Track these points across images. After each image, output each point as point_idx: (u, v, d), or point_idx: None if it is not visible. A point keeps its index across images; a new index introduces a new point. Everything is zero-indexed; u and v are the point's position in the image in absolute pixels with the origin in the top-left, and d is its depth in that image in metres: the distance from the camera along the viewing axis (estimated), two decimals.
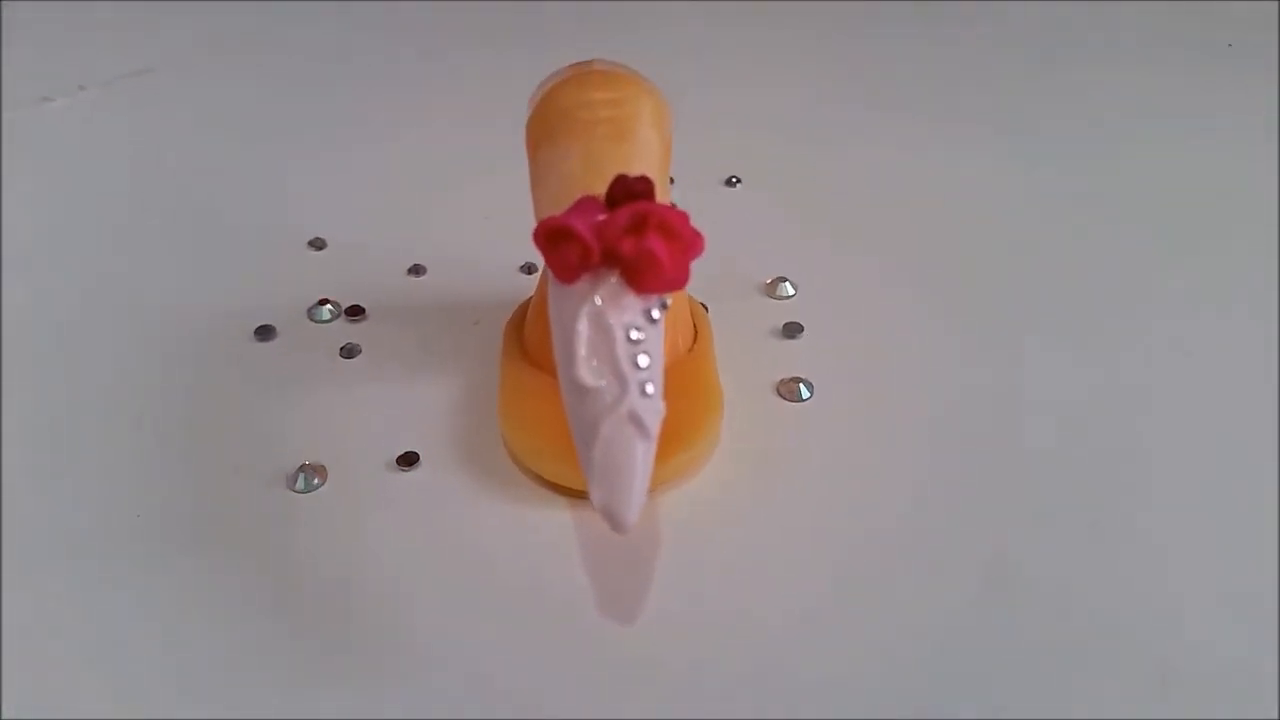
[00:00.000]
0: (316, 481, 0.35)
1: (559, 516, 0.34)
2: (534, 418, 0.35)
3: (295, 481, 0.35)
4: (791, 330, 0.41)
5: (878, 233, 0.48)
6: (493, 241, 0.46)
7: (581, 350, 0.26)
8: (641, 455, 0.26)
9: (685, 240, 0.26)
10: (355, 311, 0.42)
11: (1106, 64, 0.67)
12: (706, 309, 0.40)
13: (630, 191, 0.26)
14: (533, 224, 0.46)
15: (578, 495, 0.34)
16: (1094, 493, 0.34)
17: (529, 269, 0.44)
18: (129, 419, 0.37)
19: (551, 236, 0.26)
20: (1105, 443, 0.36)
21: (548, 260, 0.26)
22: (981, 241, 0.47)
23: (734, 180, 0.51)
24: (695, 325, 0.38)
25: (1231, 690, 0.28)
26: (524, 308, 0.40)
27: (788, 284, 0.43)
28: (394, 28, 0.72)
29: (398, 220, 0.48)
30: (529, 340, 0.37)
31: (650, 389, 0.26)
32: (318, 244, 0.46)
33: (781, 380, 0.38)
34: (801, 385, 0.38)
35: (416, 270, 0.44)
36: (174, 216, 0.49)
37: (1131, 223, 0.49)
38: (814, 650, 0.29)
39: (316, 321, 0.42)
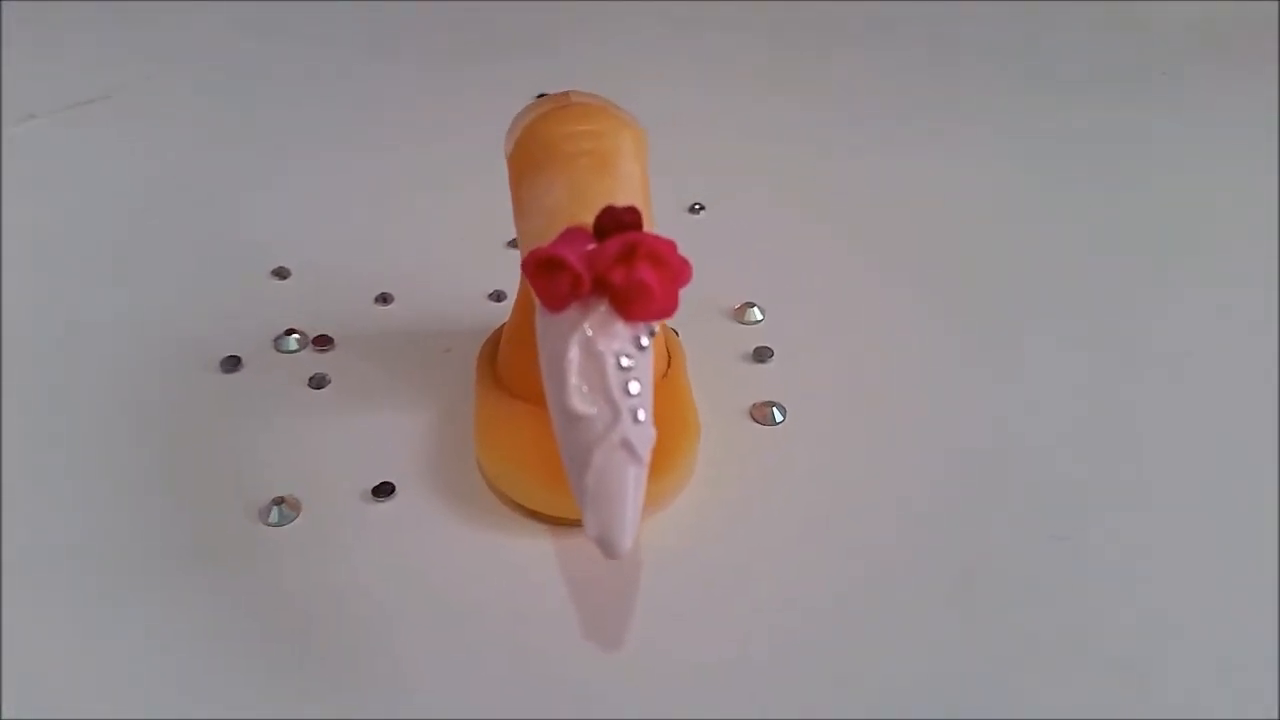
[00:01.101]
0: (290, 514, 0.34)
1: (540, 544, 0.34)
2: (512, 445, 0.35)
3: (269, 515, 0.34)
4: (762, 354, 0.41)
5: (843, 257, 0.49)
6: (460, 269, 0.46)
7: (573, 378, 0.26)
8: (634, 482, 0.26)
9: (674, 269, 0.26)
10: (323, 341, 0.42)
11: (1077, 78, 0.69)
12: (677, 334, 0.41)
13: (619, 222, 0.26)
14: (501, 252, 0.48)
15: (558, 522, 0.34)
16: (1076, 506, 0.35)
17: (498, 297, 0.44)
18: (93, 454, 0.36)
19: (542, 266, 0.26)
20: (1088, 457, 0.37)
21: (537, 290, 0.27)
22: (948, 262, 0.48)
23: (697, 207, 0.52)
24: (668, 351, 0.38)
25: (1232, 690, 0.29)
26: (497, 335, 0.39)
27: (755, 309, 0.44)
28: (357, 53, 0.72)
29: (362, 248, 0.48)
30: (504, 368, 0.37)
31: (641, 415, 0.26)
32: (281, 273, 0.46)
33: (755, 405, 0.39)
34: (774, 409, 0.38)
35: (384, 299, 0.44)
36: (133, 247, 0.48)
37: (1112, 234, 0.50)
38: (798, 675, 0.30)
39: (283, 352, 0.41)
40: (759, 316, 0.44)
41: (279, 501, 0.34)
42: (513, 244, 0.48)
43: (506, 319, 0.39)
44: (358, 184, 0.54)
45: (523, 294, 0.37)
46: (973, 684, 0.29)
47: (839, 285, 0.46)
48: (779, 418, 0.38)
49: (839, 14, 0.80)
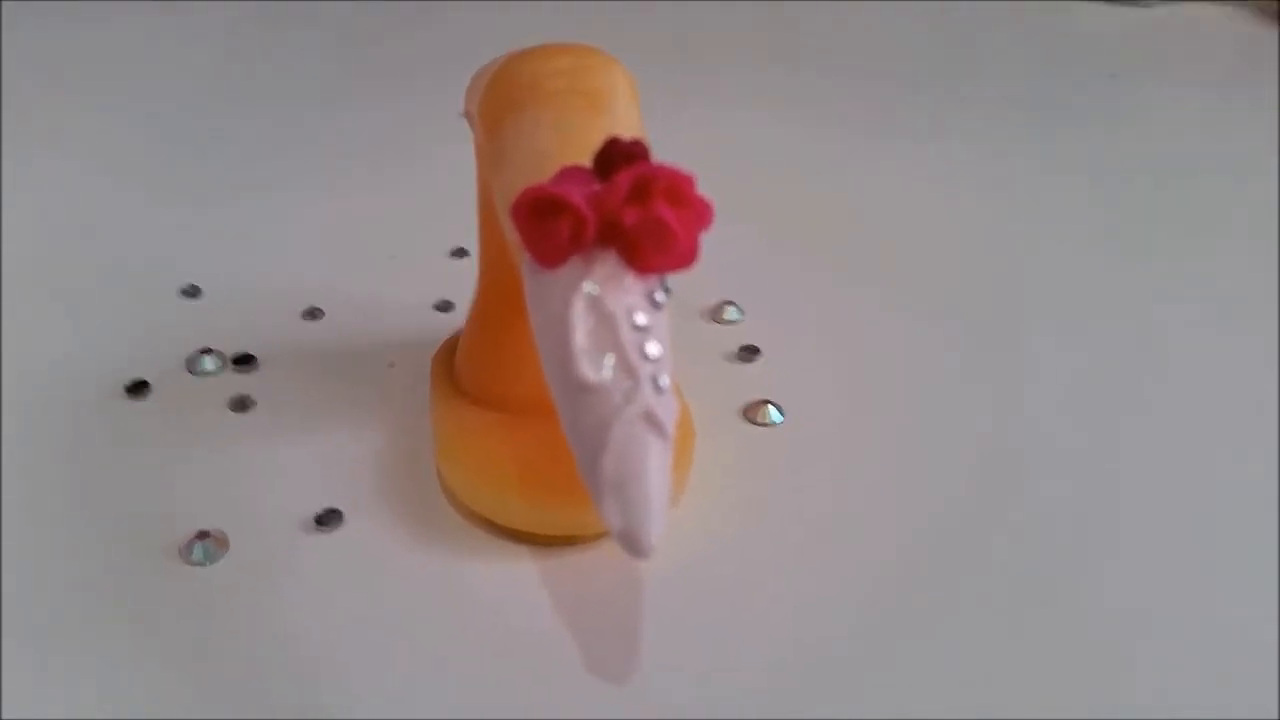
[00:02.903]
0: (217, 551, 0.29)
1: (520, 568, 0.29)
2: (482, 457, 0.30)
3: (191, 552, 0.28)
4: (747, 354, 0.37)
5: (820, 250, 0.45)
6: (399, 280, 0.41)
7: (579, 338, 0.21)
8: (660, 461, 0.21)
9: (696, 208, 0.22)
10: (244, 360, 0.36)
11: (1052, 80, 0.68)
12: None
13: (626, 155, 0.22)
14: (445, 261, 0.43)
15: (540, 540, 0.29)
16: (1087, 497, 0.32)
17: (445, 306, 0.39)
18: None
19: (535, 210, 0.22)
20: (1094, 441, 0.34)
21: (530, 241, 0.22)
22: (924, 255, 0.45)
23: None
24: None
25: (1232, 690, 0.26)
26: (452, 342, 0.35)
27: (733, 308, 0.40)
28: (274, 51, 0.66)
29: (284, 261, 0.42)
30: (467, 373, 0.32)
31: (664, 382, 0.22)
32: (191, 291, 0.40)
33: (748, 405, 0.35)
34: (771, 408, 0.34)
35: (313, 313, 0.39)
36: (24, 265, 0.42)
37: (1086, 230, 0.48)
38: (819, 693, 0.26)
39: (197, 374, 0.36)
40: (737, 316, 0.40)
41: (203, 536, 0.29)
42: (458, 253, 0.43)
43: (460, 329, 0.34)
44: (276, 193, 0.49)
45: (486, 285, 0.32)
46: (987, 687, 0.26)
47: (815, 281, 0.43)
48: (777, 417, 0.34)
49: (809, 16, 0.77)
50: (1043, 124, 0.59)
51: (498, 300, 0.31)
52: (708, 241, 0.43)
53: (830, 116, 0.59)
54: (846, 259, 0.44)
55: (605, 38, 0.29)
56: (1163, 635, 0.28)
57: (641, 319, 0.22)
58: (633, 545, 0.21)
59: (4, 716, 0.24)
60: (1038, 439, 0.34)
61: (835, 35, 0.73)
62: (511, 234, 0.24)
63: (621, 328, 0.22)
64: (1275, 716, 0.26)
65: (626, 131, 0.25)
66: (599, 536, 0.29)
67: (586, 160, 0.23)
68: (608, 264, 0.22)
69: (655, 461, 0.21)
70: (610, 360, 0.21)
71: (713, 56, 0.68)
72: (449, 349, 0.35)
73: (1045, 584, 0.29)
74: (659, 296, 0.23)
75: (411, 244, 0.43)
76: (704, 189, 0.22)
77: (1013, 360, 0.38)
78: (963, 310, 0.41)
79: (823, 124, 0.58)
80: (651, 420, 0.21)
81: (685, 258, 0.22)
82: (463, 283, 0.33)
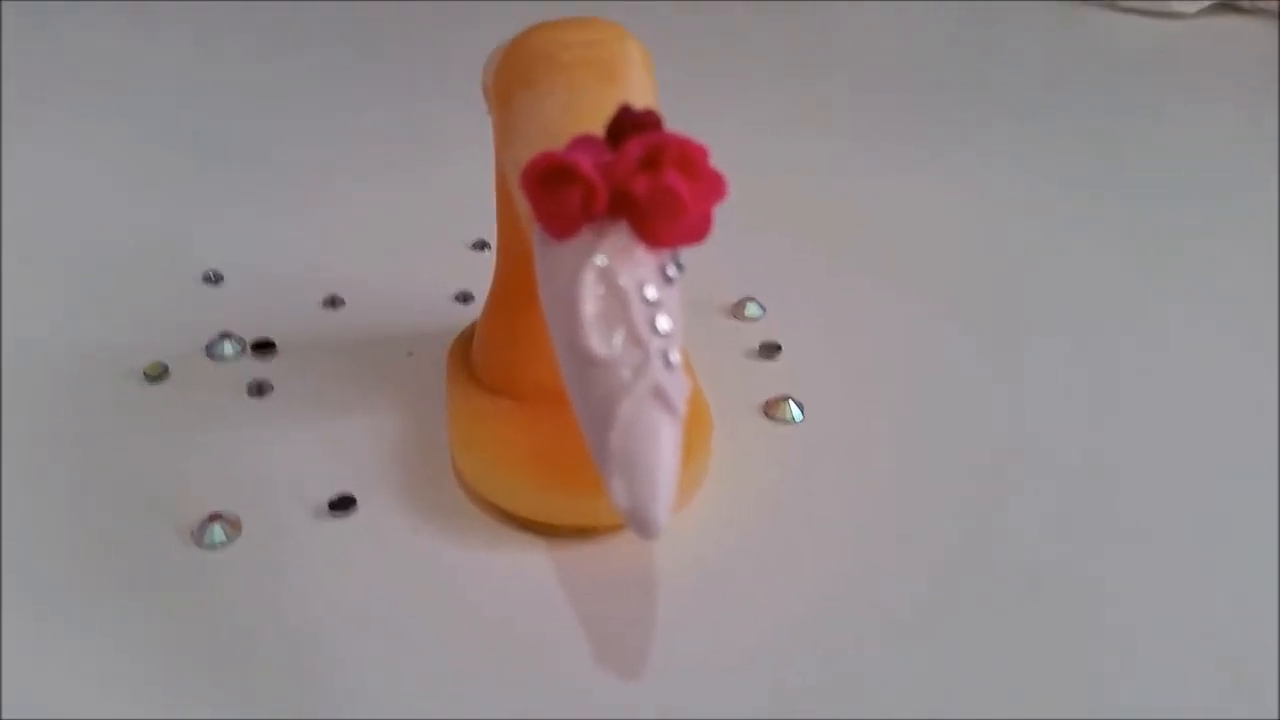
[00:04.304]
0: (231, 533, 0.28)
1: (533, 558, 0.28)
2: (496, 445, 0.30)
3: (205, 534, 0.28)
4: (768, 351, 0.37)
5: (842, 250, 0.44)
6: (421, 271, 0.41)
7: (588, 310, 0.21)
8: (669, 438, 0.21)
9: (708, 180, 0.22)
10: (263, 346, 0.36)
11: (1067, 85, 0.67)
12: None
13: (637, 123, 0.22)
14: (465, 253, 0.43)
15: (554, 530, 0.29)
16: (1106, 499, 0.31)
17: (465, 298, 0.39)
18: (9, 474, 0.30)
19: (546, 178, 0.21)
20: (1113, 443, 0.33)
21: (540, 210, 0.22)
22: (944, 256, 0.44)
23: None
24: None
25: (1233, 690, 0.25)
26: (469, 332, 0.34)
27: (754, 304, 0.39)
28: (299, 45, 0.66)
29: (308, 250, 0.42)
30: (482, 361, 0.32)
31: (674, 358, 0.21)
32: (213, 277, 0.40)
33: (768, 401, 0.34)
34: (791, 404, 0.34)
35: (333, 302, 0.39)
36: (50, 251, 0.42)
37: (1111, 237, 0.47)
38: (833, 693, 0.25)
39: (217, 359, 0.35)
40: (759, 312, 0.39)
41: (215, 518, 0.28)
42: (479, 245, 0.43)
43: (478, 318, 0.34)
44: (302, 184, 0.49)
45: (502, 271, 0.32)
46: (1003, 687, 0.25)
47: (836, 281, 0.42)
48: (797, 414, 0.33)
49: (830, 18, 0.77)
50: (1068, 133, 0.58)
51: (514, 286, 0.31)
52: (729, 238, 0.43)
53: (858, 123, 0.59)
54: (868, 260, 0.44)
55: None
56: (1169, 634, 0.27)
57: (652, 293, 0.21)
58: (640, 524, 0.20)
59: (17, 692, 0.24)
60: (1056, 441, 0.33)
61: (860, 43, 0.72)
62: (523, 205, 0.23)
63: (632, 301, 0.21)
64: (1275, 717, 0.25)
65: (639, 102, 0.24)
66: (613, 528, 0.29)
67: (599, 132, 0.22)
68: (619, 236, 0.21)
69: (664, 439, 0.21)
70: (620, 334, 0.21)
71: (739, 65, 0.67)
72: (466, 338, 0.34)
73: (1063, 584, 0.28)
74: (671, 271, 0.22)
75: (433, 235, 0.43)
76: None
77: (1031, 363, 0.37)
78: (982, 313, 0.40)
79: (848, 130, 0.58)
80: (661, 396, 0.21)
81: (697, 230, 0.22)
82: (483, 275, 0.33)
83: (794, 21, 0.76)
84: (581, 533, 0.29)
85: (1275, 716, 0.25)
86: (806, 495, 0.31)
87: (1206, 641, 0.27)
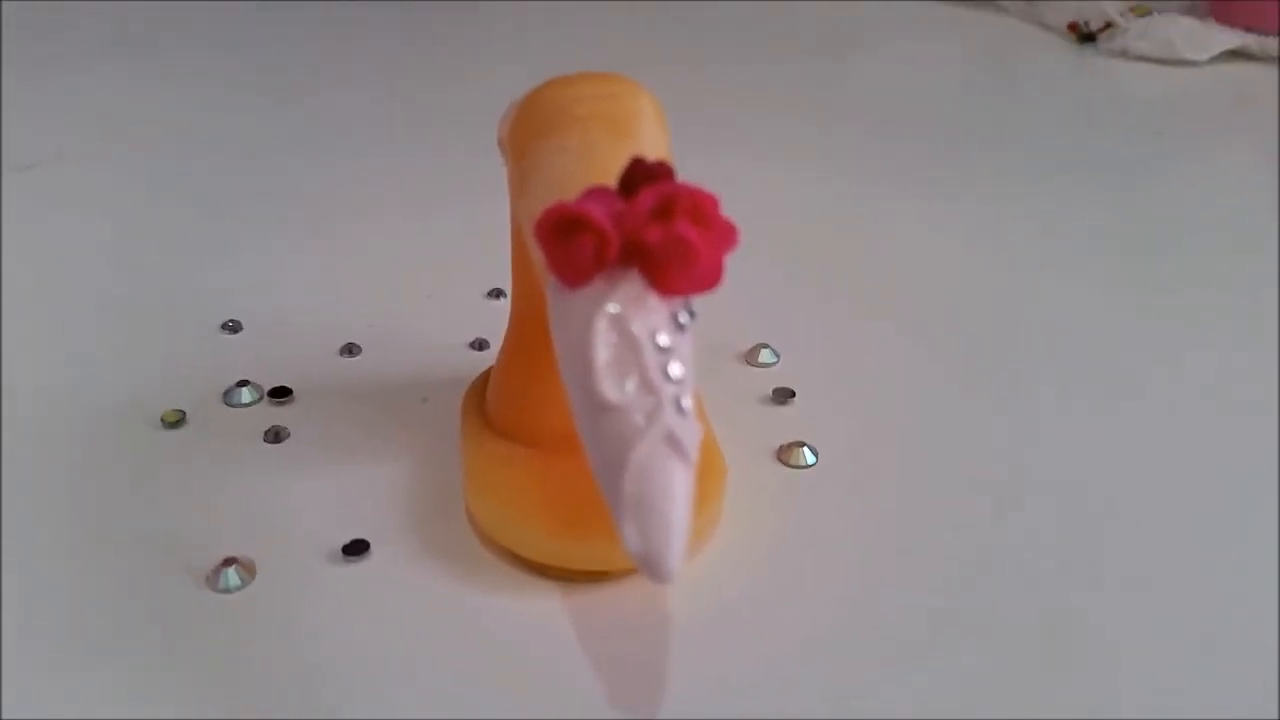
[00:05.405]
0: (245, 578, 0.29)
1: (547, 604, 0.28)
2: (510, 491, 0.30)
3: (219, 579, 0.28)
4: (782, 396, 0.37)
5: (856, 296, 0.44)
6: (436, 319, 0.41)
7: (601, 357, 0.21)
8: (682, 483, 0.21)
9: (719, 229, 0.22)
10: (280, 393, 0.36)
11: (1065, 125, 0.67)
12: None
13: (650, 175, 0.22)
14: (481, 302, 0.43)
15: (568, 576, 0.29)
16: (1123, 543, 0.31)
17: (480, 345, 0.39)
18: (27, 520, 0.31)
19: (559, 228, 0.22)
20: (1129, 486, 0.34)
21: (553, 260, 0.22)
22: (963, 299, 0.44)
23: None
24: None
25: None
26: (484, 378, 0.35)
27: (768, 350, 0.39)
28: (314, 88, 0.67)
29: (325, 299, 0.43)
30: (497, 408, 0.32)
31: (687, 403, 0.21)
32: (232, 326, 0.40)
33: (781, 447, 0.34)
34: (805, 450, 0.34)
35: (350, 350, 0.39)
36: (70, 297, 0.43)
37: (1125, 285, 0.47)
38: None
39: (234, 405, 0.36)
40: (772, 359, 0.39)
41: (230, 563, 0.29)
42: (494, 294, 0.43)
43: (493, 365, 0.34)
44: (319, 233, 0.49)
45: (517, 318, 0.32)
46: None
47: (850, 327, 0.42)
48: (810, 459, 0.34)
49: (843, 67, 0.77)
50: (1084, 182, 0.58)
51: (528, 334, 0.31)
52: (744, 284, 0.43)
53: (871, 170, 0.59)
54: (881, 307, 0.44)
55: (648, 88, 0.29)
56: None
57: (664, 340, 0.22)
58: (653, 568, 0.20)
59: None
60: (1072, 487, 0.33)
61: (873, 92, 0.73)
62: (537, 254, 0.23)
63: (644, 348, 0.21)
64: (1275, 717, 0.25)
65: (651, 154, 0.25)
66: (626, 573, 0.29)
67: (611, 183, 0.23)
68: (631, 285, 0.22)
69: (677, 484, 0.21)
70: (632, 380, 0.21)
71: (753, 114, 0.68)
72: (481, 384, 0.35)
73: (1075, 628, 0.28)
74: (683, 318, 0.22)
75: (449, 284, 0.44)
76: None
77: (1045, 412, 0.37)
78: (997, 361, 0.40)
79: (861, 177, 0.58)
80: (673, 442, 0.21)
81: (709, 279, 0.22)
82: (499, 323, 0.33)
83: (807, 70, 0.76)
84: (595, 577, 0.29)
85: (1276, 717, 0.25)
86: (819, 541, 0.31)
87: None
